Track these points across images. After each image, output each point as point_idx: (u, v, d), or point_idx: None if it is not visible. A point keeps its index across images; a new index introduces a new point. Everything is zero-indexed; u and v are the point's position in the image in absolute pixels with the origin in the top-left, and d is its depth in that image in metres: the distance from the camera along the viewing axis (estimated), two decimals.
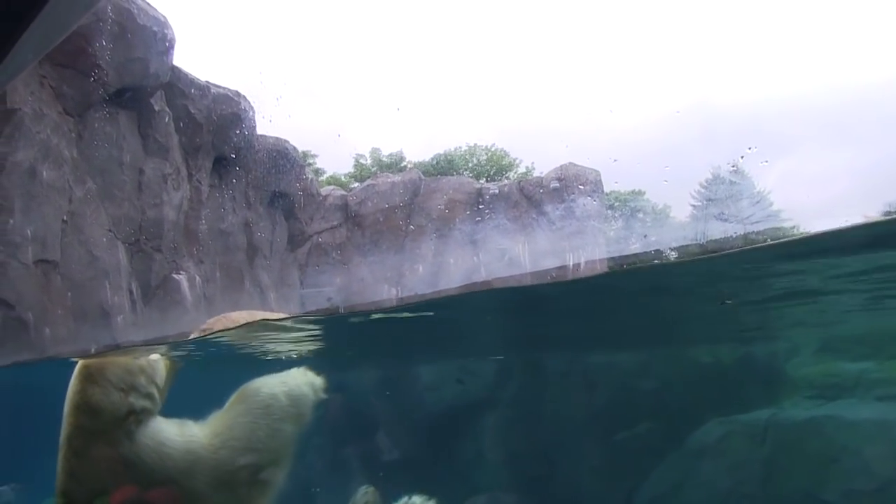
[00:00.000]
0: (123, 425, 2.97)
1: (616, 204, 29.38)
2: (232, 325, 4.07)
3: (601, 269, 6.66)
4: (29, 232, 9.70)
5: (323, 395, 3.38)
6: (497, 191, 23.16)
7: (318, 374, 3.53)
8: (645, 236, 31.67)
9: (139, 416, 3.04)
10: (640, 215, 31.79)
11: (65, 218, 10.55)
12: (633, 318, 7.41)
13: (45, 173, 10.12)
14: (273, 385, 3.31)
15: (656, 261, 6.21)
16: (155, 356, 3.40)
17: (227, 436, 3.08)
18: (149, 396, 3.13)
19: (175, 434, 3.07)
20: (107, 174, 11.52)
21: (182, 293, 12.30)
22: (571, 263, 21.80)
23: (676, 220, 31.36)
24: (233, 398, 3.28)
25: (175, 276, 12.38)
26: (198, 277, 12.85)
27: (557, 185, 22.75)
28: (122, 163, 11.78)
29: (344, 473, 7.59)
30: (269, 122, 16.01)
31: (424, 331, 6.81)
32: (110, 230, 11.44)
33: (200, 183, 13.43)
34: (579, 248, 22.10)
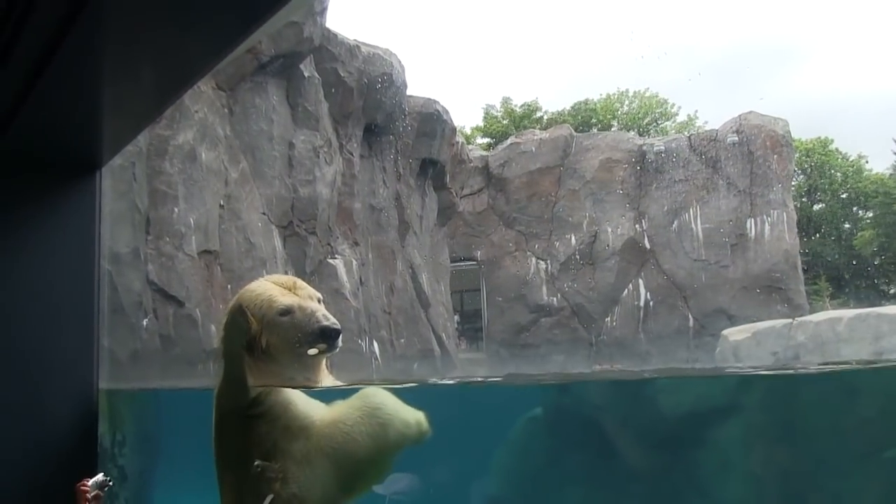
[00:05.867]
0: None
1: (799, 156, 27.36)
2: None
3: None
4: (192, 220, 9.83)
5: (422, 442, 3.61)
6: (663, 147, 22.07)
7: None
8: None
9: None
10: (829, 170, 29.49)
11: (222, 203, 10.65)
12: None
13: (203, 155, 10.21)
14: (388, 398, 3.64)
15: None
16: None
17: (336, 419, 3.45)
18: None
19: (300, 402, 3.45)
20: (257, 151, 11.57)
21: (339, 279, 12.29)
22: (753, 233, 20.46)
23: (874, 175, 28.86)
24: (354, 396, 3.62)
25: (331, 260, 12.38)
26: (354, 261, 12.81)
27: (735, 138, 21.34)
28: (271, 137, 11.80)
29: (571, 484, 7.26)
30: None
31: None
32: (264, 213, 11.50)
33: (352, 154, 13.32)
34: (763, 213, 20.74)
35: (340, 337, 3.45)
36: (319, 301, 3.66)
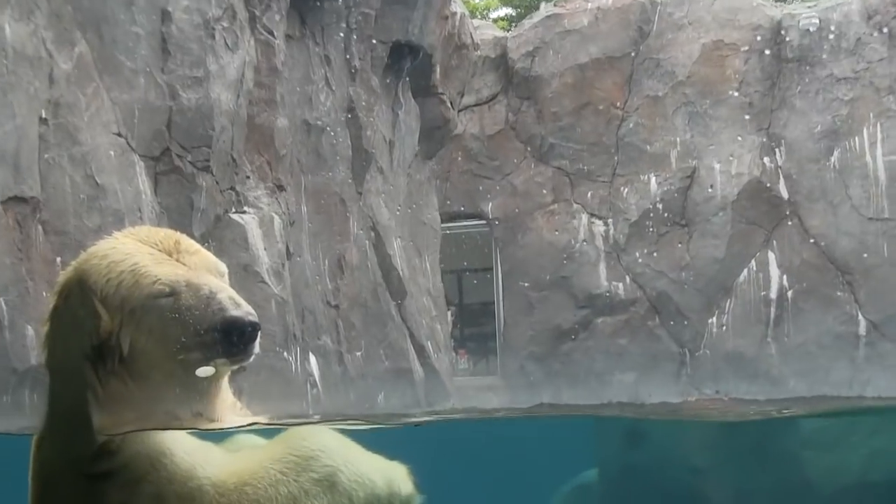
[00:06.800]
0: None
1: None
2: None
3: None
4: None
5: None
6: (818, 20, 21.91)
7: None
8: None
9: None
10: None
11: (43, 114, 10.62)
12: None
13: (7, 29, 10.17)
14: (331, 441, 3.90)
15: None
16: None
17: (244, 479, 3.65)
18: None
19: (184, 450, 3.60)
20: (105, 24, 11.51)
21: (251, 248, 12.33)
22: None
23: None
24: (276, 438, 3.94)
25: (236, 215, 12.43)
26: (276, 217, 12.84)
27: None
28: (130, 0, 11.76)
29: None
30: None
31: None
32: (119, 134, 11.48)
33: (272, 34, 13.29)
34: None
35: (258, 339, 3.41)
36: (222, 276, 3.62)
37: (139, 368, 3.44)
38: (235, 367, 3.52)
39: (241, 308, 3.39)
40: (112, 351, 3.41)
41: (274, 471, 3.66)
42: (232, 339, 3.34)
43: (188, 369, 3.41)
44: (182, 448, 3.56)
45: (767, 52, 22.25)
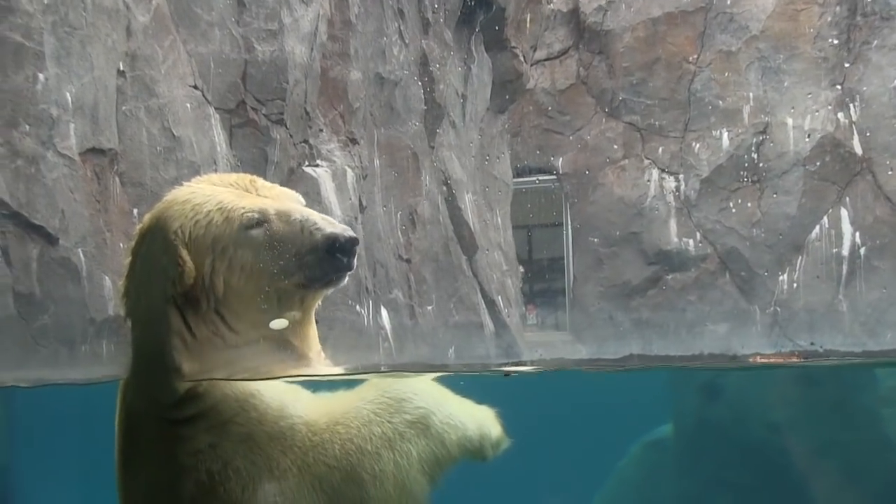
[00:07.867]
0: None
1: None
2: None
3: None
4: (69, 96, 9.83)
5: (490, 459, 3.90)
6: None
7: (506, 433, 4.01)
8: None
9: None
10: None
11: (121, 66, 10.67)
12: None
13: None
14: (424, 386, 3.87)
15: None
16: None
17: (335, 419, 3.65)
18: None
19: (273, 390, 3.62)
20: None
21: (323, 200, 12.32)
22: None
23: None
24: (366, 382, 3.93)
25: (310, 168, 12.44)
26: (349, 171, 12.84)
27: None
28: None
29: None
30: None
31: None
32: (196, 86, 11.53)
33: None
34: None
35: (356, 253, 3.39)
36: (302, 205, 3.58)
37: (233, 309, 3.44)
38: (332, 288, 3.53)
39: (336, 225, 3.42)
40: (205, 294, 3.40)
41: (367, 411, 3.66)
42: (335, 254, 3.34)
43: (284, 300, 3.41)
44: (271, 388, 3.55)
45: (843, 5, 21.86)
